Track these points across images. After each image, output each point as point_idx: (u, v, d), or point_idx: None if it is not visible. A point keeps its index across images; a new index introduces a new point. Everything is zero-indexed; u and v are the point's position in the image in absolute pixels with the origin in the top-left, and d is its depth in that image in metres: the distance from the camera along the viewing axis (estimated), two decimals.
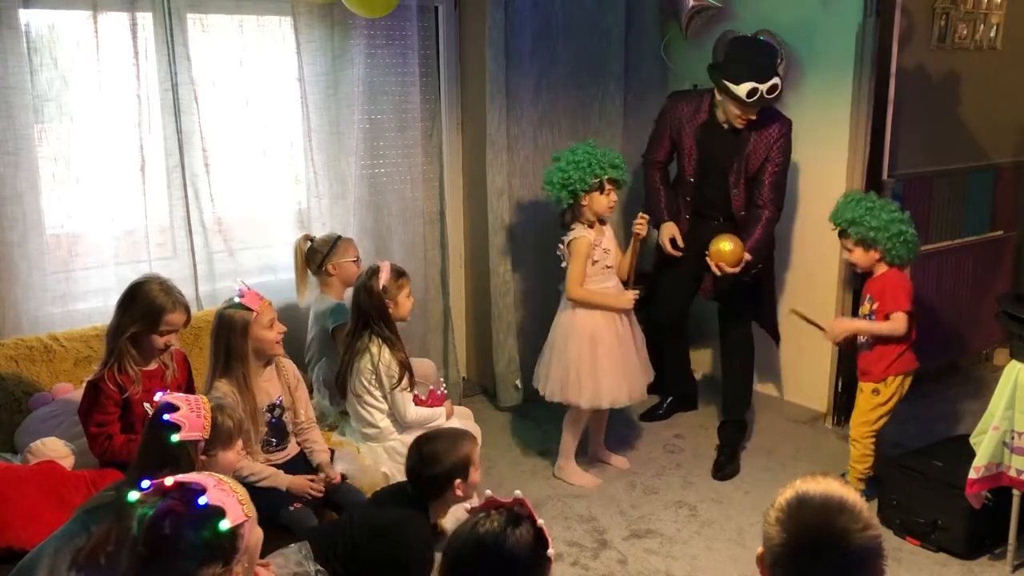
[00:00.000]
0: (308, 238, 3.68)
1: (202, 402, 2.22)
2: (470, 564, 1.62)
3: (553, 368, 3.67)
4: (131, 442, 2.69)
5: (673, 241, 3.90)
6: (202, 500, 1.59)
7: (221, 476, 1.70)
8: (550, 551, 1.59)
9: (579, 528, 3.52)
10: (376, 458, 3.17)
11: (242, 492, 1.67)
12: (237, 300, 2.88)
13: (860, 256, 3.45)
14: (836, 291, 4.23)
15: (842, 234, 3.51)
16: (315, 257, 3.63)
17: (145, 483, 1.64)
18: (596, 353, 3.63)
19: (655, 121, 4.10)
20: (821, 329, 3.63)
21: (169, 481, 1.63)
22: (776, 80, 3.64)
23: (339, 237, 3.67)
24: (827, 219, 3.57)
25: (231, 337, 2.83)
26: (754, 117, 3.72)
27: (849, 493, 1.48)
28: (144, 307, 2.75)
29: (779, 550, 1.46)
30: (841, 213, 3.48)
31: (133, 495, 1.64)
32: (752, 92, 3.59)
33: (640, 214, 3.70)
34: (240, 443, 2.31)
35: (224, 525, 1.57)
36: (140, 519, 1.59)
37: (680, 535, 3.47)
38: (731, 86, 3.60)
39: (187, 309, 2.85)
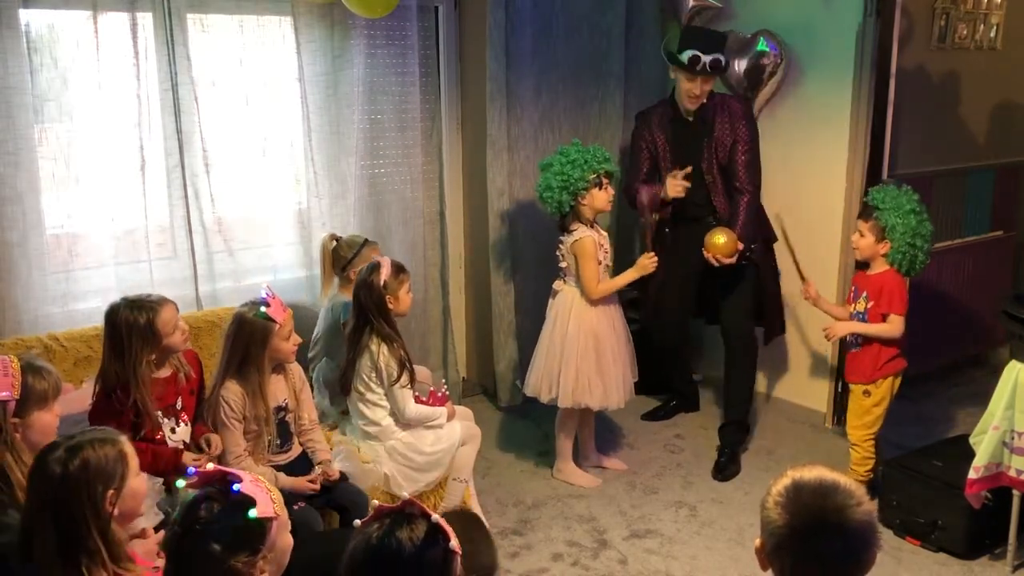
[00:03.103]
0: (334, 237, 3.64)
1: (8, 361, 2.13)
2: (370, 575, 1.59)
3: (561, 374, 3.66)
4: (141, 453, 2.65)
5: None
6: (236, 487, 1.68)
7: (260, 477, 1.77)
8: (452, 543, 1.57)
9: (579, 528, 3.52)
10: (376, 457, 3.17)
11: (276, 494, 1.75)
12: (263, 309, 2.82)
13: (868, 244, 3.43)
14: (835, 291, 4.23)
15: (865, 213, 3.47)
16: (339, 260, 3.59)
17: (191, 469, 1.77)
18: (602, 355, 3.64)
19: (629, 149, 4.16)
20: (799, 271, 3.70)
21: (210, 466, 1.75)
22: (719, 56, 3.76)
23: (365, 242, 3.62)
24: (868, 198, 3.50)
25: (250, 345, 2.81)
26: (698, 93, 3.79)
27: (839, 475, 1.58)
28: (137, 333, 2.67)
29: (782, 532, 1.53)
30: (887, 194, 3.41)
31: (181, 481, 1.76)
32: (694, 60, 3.72)
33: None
34: (57, 405, 2.21)
35: (252, 513, 1.66)
36: (181, 503, 1.70)
37: (680, 535, 3.47)
38: (677, 56, 3.77)
39: (168, 301, 2.78)
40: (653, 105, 4.14)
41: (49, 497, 1.83)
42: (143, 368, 2.68)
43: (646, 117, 4.04)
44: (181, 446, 2.77)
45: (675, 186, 3.83)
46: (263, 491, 1.72)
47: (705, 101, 3.85)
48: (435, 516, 1.59)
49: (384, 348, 3.13)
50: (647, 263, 3.65)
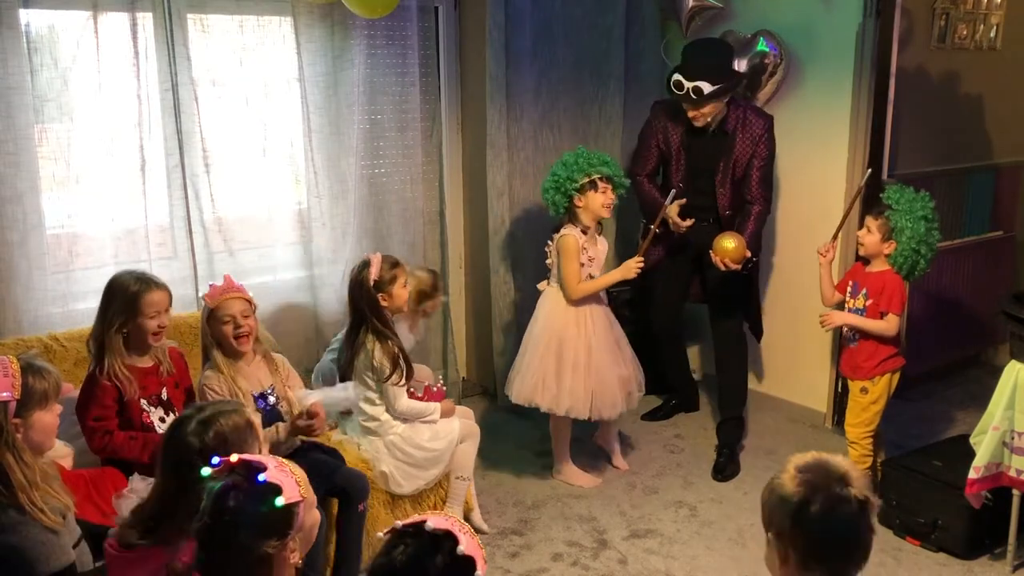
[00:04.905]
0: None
1: (8, 361, 2.14)
2: None
3: (521, 369, 3.69)
4: (132, 440, 2.70)
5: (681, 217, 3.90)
6: (261, 477, 1.71)
7: (282, 460, 1.80)
8: (478, 573, 1.52)
9: (579, 528, 3.52)
10: (376, 452, 3.17)
11: (300, 475, 1.78)
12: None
13: (873, 242, 3.42)
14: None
15: (876, 210, 3.45)
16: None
17: (215, 459, 1.78)
18: (562, 360, 3.62)
19: (639, 136, 4.14)
20: (837, 230, 3.64)
21: (234, 458, 1.77)
22: (701, 84, 3.66)
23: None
24: (882, 197, 3.47)
25: (204, 326, 2.95)
26: (692, 115, 3.77)
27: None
28: (122, 298, 2.76)
29: (795, 502, 1.68)
30: (903, 195, 3.39)
31: (205, 471, 1.77)
32: (678, 85, 3.70)
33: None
34: (58, 406, 2.23)
35: (279, 501, 1.69)
36: (208, 492, 1.73)
37: (680, 535, 3.47)
38: (669, 77, 3.76)
39: (166, 288, 2.85)
40: (671, 101, 4.04)
41: (184, 462, 1.91)
42: (114, 334, 2.73)
43: (664, 112, 3.99)
44: None
45: (679, 228, 3.85)
46: (288, 475, 1.74)
47: (726, 111, 3.81)
48: (462, 544, 1.53)
49: (377, 345, 3.13)
50: (632, 266, 3.62)
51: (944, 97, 4.70)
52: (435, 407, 3.28)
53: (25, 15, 3.22)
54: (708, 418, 4.47)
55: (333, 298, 3.99)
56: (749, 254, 3.72)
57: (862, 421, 3.54)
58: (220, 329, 2.91)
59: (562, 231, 3.61)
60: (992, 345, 5.13)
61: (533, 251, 4.45)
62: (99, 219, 3.51)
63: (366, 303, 3.14)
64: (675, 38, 4.73)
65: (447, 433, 3.26)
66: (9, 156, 3.21)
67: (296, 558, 1.75)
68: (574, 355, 3.63)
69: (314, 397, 2.98)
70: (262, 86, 3.81)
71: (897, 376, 3.53)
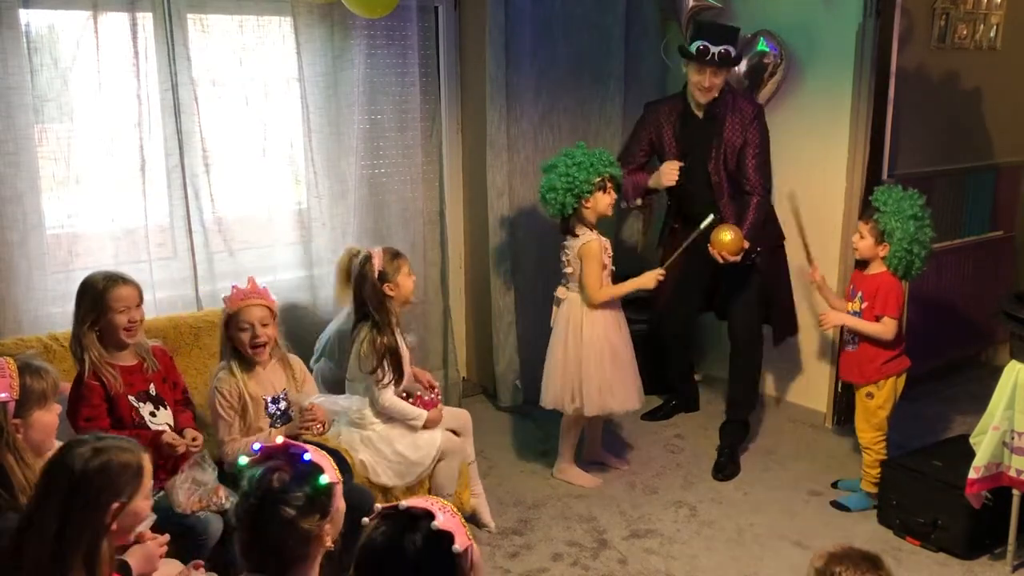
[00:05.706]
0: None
1: (6, 362, 2.16)
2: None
3: (584, 383, 3.65)
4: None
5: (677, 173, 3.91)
6: (307, 457, 1.82)
7: (315, 446, 1.91)
8: (456, 547, 1.54)
9: (579, 528, 3.52)
10: (351, 443, 3.15)
11: (331, 460, 1.88)
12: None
13: (868, 245, 3.43)
14: (835, 291, 4.22)
15: (866, 214, 3.46)
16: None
17: (256, 445, 1.88)
18: (617, 359, 3.64)
19: (631, 132, 4.13)
20: (807, 254, 3.81)
21: (279, 440, 1.89)
22: (728, 48, 3.73)
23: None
24: (871, 198, 3.50)
25: (222, 329, 2.94)
26: (707, 85, 3.76)
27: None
28: (90, 295, 2.77)
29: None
30: (891, 196, 3.40)
31: (243, 460, 1.86)
32: (703, 50, 3.71)
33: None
34: (57, 405, 2.25)
35: (324, 479, 1.80)
36: (251, 478, 1.81)
37: (680, 535, 3.47)
38: (687, 48, 3.78)
39: (134, 284, 2.83)
40: (664, 97, 4.11)
41: (63, 488, 1.84)
42: (87, 330, 2.74)
43: (655, 108, 4.02)
44: (166, 428, 2.80)
45: (670, 173, 3.85)
46: (325, 459, 1.85)
47: (717, 96, 3.82)
48: (438, 521, 1.56)
49: (368, 336, 3.12)
50: (653, 276, 3.62)
51: (944, 97, 4.70)
52: (420, 412, 3.19)
53: (25, 15, 3.22)
54: (708, 418, 4.47)
55: (333, 298, 3.99)
56: (747, 245, 3.71)
57: (872, 426, 3.53)
58: (237, 336, 2.88)
59: (582, 237, 3.59)
60: (992, 345, 5.13)
61: (533, 251, 4.46)
62: (99, 219, 3.51)
63: (371, 296, 3.12)
64: (675, 38, 4.72)
65: (426, 445, 3.17)
66: (9, 156, 3.21)
67: (329, 540, 1.83)
68: (623, 353, 3.67)
69: (316, 400, 2.98)
70: (262, 86, 3.81)
71: (903, 379, 3.52)
